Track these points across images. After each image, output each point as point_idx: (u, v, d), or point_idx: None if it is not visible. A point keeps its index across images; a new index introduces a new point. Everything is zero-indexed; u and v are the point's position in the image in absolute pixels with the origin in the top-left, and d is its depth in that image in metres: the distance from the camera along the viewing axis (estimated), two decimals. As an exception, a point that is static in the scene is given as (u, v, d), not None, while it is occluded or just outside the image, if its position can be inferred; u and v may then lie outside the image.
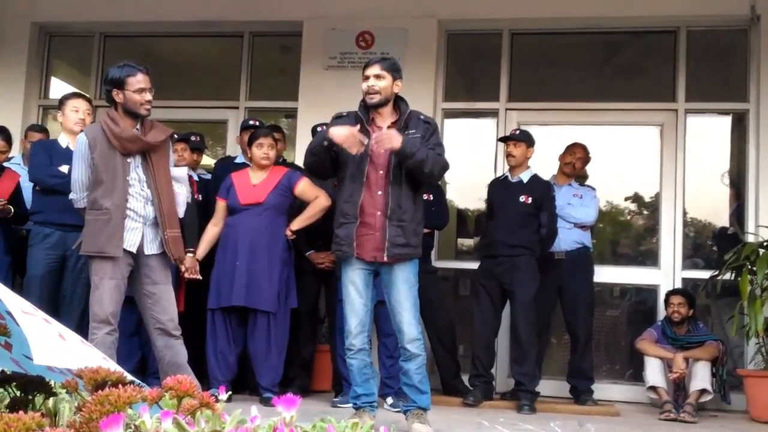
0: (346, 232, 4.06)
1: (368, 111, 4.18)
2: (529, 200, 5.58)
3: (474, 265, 5.98)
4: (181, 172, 4.32)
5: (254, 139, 5.34)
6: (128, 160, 4.10)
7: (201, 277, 5.14)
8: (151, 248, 4.12)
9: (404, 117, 4.16)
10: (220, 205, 5.31)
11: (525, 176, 5.69)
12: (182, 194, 4.26)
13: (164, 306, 4.12)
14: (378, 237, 4.03)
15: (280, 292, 5.16)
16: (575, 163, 6.01)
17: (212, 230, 5.30)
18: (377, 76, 4.10)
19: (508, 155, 5.73)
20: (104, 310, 4.00)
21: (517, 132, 5.78)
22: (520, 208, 5.57)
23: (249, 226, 5.14)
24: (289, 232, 5.24)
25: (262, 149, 5.28)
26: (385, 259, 4.02)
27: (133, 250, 4.08)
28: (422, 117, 4.23)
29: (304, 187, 5.29)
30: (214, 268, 5.20)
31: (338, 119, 4.23)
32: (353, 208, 4.05)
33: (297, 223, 5.26)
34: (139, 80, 4.09)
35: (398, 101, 4.21)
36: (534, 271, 5.54)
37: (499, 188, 5.75)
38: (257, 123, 5.92)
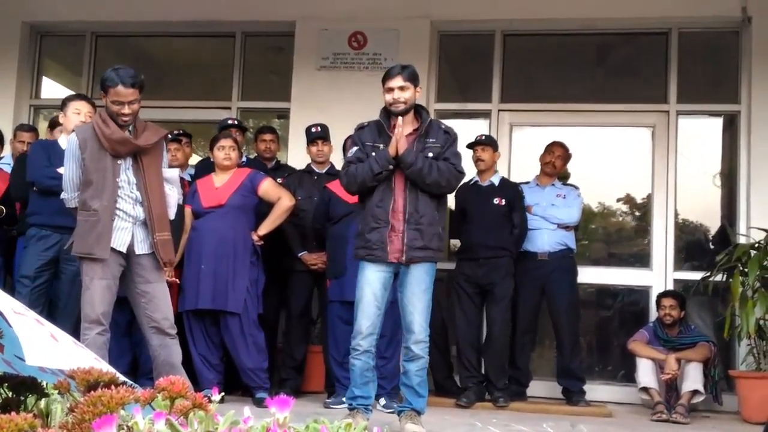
0: (378, 236, 4.08)
1: (389, 117, 4.21)
2: (503, 202, 5.73)
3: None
4: (172, 174, 4.30)
5: (215, 141, 5.34)
6: (118, 161, 4.08)
7: (178, 281, 5.12)
8: (142, 248, 4.10)
9: (425, 125, 4.20)
10: (187, 211, 5.29)
11: (495, 179, 5.85)
12: (173, 196, 4.24)
13: (157, 304, 4.10)
14: (400, 238, 4.08)
15: (248, 293, 5.14)
16: (555, 162, 6.04)
17: (183, 237, 5.28)
18: (401, 88, 4.15)
19: (478, 160, 5.81)
20: (95, 311, 3.99)
21: (484, 137, 5.88)
22: (495, 210, 5.71)
23: (212, 228, 5.13)
24: (256, 237, 5.23)
25: (223, 151, 5.28)
26: (404, 261, 4.06)
27: (123, 250, 4.06)
28: (443, 127, 4.29)
29: (267, 187, 5.29)
30: (183, 271, 5.18)
31: (361, 129, 4.29)
32: (384, 213, 4.09)
33: (264, 228, 5.25)
34: (117, 92, 4.01)
35: (419, 109, 4.26)
36: (512, 271, 5.70)
37: (472, 193, 5.83)
38: (236, 122, 5.91)
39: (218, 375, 5.18)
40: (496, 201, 5.73)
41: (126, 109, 4.03)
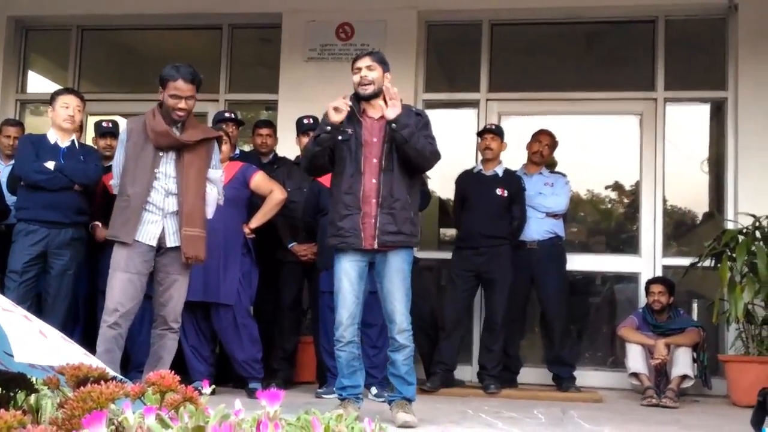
0: (351, 223, 4.07)
1: (359, 103, 4.20)
2: (505, 193, 5.74)
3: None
4: (215, 175, 4.37)
5: None
6: (160, 153, 4.18)
7: None
8: (173, 240, 4.18)
9: None
10: None
11: (499, 170, 5.84)
12: (212, 195, 4.33)
13: (170, 297, 4.19)
14: (372, 224, 4.06)
15: (241, 285, 5.14)
16: (542, 150, 6.05)
17: None
18: (368, 67, 4.15)
19: (486, 148, 5.80)
20: (112, 302, 4.08)
21: (493, 126, 5.88)
22: (497, 200, 5.71)
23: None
24: (247, 230, 5.23)
25: None
26: (376, 246, 4.05)
27: (153, 243, 4.14)
28: (414, 109, 4.30)
29: (259, 180, 5.29)
30: None
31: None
32: (355, 200, 4.08)
33: (255, 221, 5.26)
34: (177, 86, 4.15)
35: None
36: (511, 261, 5.71)
37: (474, 181, 5.83)
38: (232, 115, 5.89)
39: (209, 367, 5.19)
40: (498, 191, 5.73)
41: (182, 104, 4.16)
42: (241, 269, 5.18)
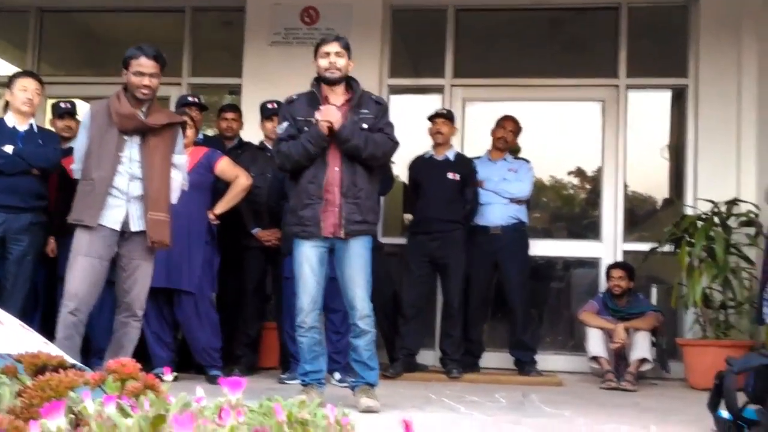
0: (312, 213, 4.06)
1: (321, 89, 4.19)
2: (457, 177, 5.77)
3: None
4: (180, 160, 4.35)
5: None
6: (125, 137, 4.14)
7: None
8: (137, 225, 4.13)
9: (357, 96, 4.19)
10: None
11: (450, 154, 5.88)
12: (177, 180, 4.30)
13: (134, 283, 4.16)
14: (336, 213, 4.06)
15: (203, 272, 5.13)
16: (506, 136, 6.09)
17: None
18: (338, 54, 4.14)
19: (437, 132, 5.83)
20: (72, 287, 4.04)
21: (444, 110, 5.90)
22: (449, 185, 5.75)
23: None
24: (212, 216, 5.21)
25: None
26: (342, 235, 4.05)
27: (117, 227, 4.10)
28: (374, 97, 4.30)
29: (224, 166, 5.26)
30: None
31: (291, 103, 4.25)
32: (318, 189, 4.07)
33: (220, 207, 5.24)
34: (139, 63, 4.13)
35: (350, 80, 4.24)
36: (464, 245, 5.76)
37: (426, 166, 5.86)
38: (196, 99, 5.84)
39: (171, 353, 5.16)
40: (450, 176, 5.77)
41: (147, 81, 4.13)
42: (203, 256, 5.15)
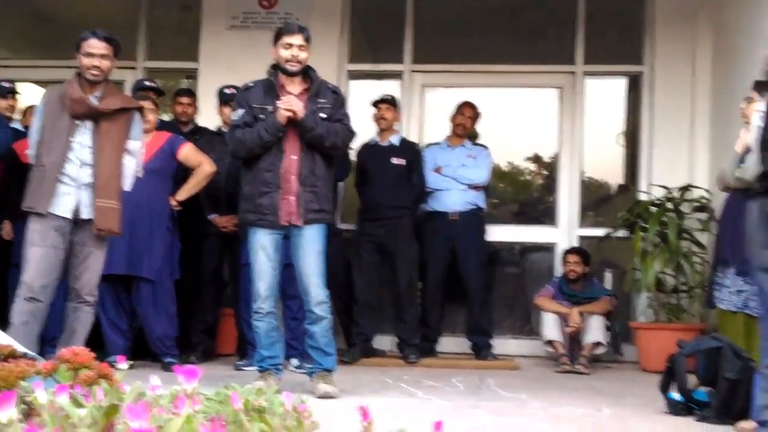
0: (269, 201, 4.06)
1: (278, 77, 4.17)
2: (403, 162, 5.79)
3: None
4: (134, 146, 4.28)
5: None
6: (77, 122, 4.08)
7: None
8: (88, 212, 4.08)
9: (316, 85, 4.18)
10: None
11: (395, 139, 5.89)
12: (130, 167, 4.25)
13: (85, 269, 4.12)
14: (293, 201, 4.06)
15: (164, 260, 5.08)
16: (465, 122, 6.12)
17: None
18: (301, 47, 4.11)
19: (381, 118, 5.84)
20: (28, 276, 4.01)
21: (389, 97, 5.90)
22: (394, 170, 5.77)
23: (128, 191, 5.02)
24: (174, 202, 5.16)
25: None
26: (300, 223, 4.05)
27: (69, 215, 4.06)
28: (330, 87, 4.29)
29: (187, 152, 5.21)
30: None
31: (247, 90, 4.22)
32: (275, 177, 4.07)
33: (183, 193, 5.19)
34: (90, 44, 4.09)
35: (307, 69, 4.22)
36: (412, 231, 5.81)
37: (372, 152, 5.88)
38: (153, 84, 5.76)
39: (126, 341, 5.11)
40: (395, 161, 5.78)
41: (96, 62, 4.07)
42: (165, 243, 5.11)
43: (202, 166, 5.20)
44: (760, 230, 2.99)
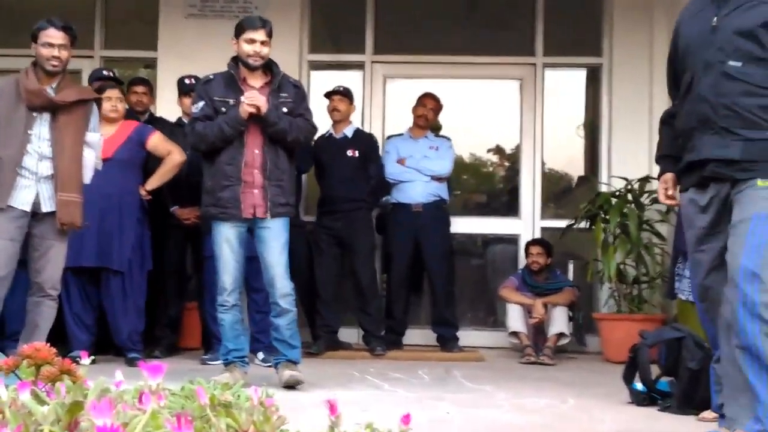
0: (231, 194, 4.04)
1: (239, 70, 4.15)
2: (356, 154, 5.78)
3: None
4: (93, 138, 4.22)
5: (101, 91, 5.12)
6: (34, 114, 4.02)
7: None
8: (48, 205, 4.02)
9: (278, 80, 4.17)
10: None
11: (349, 131, 5.88)
12: (90, 159, 4.19)
13: (46, 262, 4.05)
14: (257, 194, 4.06)
15: (134, 252, 5.02)
16: (427, 114, 6.11)
17: None
18: (263, 43, 4.09)
19: (334, 110, 5.82)
20: None
21: (341, 88, 5.88)
22: (348, 162, 5.76)
23: (97, 182, 4.92)
24: (143, 192, 5.09)
25: (110, 102, 5.08)
26: (268, 216, 4.05)
27: (27, 209, 3.99)
28: (292, 81, 4.30)
29: (156, 141, 5.14)
30: None
31: (208, 83, 4.20)
32: (236, 171, 4.05)
33: (152, 182, 5.12)
34: (48, 34, 4.03)
35: (269, 63, 4.20)
36: (370, 223, 5.83)
37: (326, 145, 5.85)
38: (111, 74, 5.65)
39: (91, 336, 5.03)
40: (349, 153, 5.77)
41: (56, 52, 4.02)
42: (135, 234, 5.04)
43: (172, 155, 5.12)
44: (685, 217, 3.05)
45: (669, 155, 3.12)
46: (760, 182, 2.71)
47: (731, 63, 2.77)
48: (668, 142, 3.16)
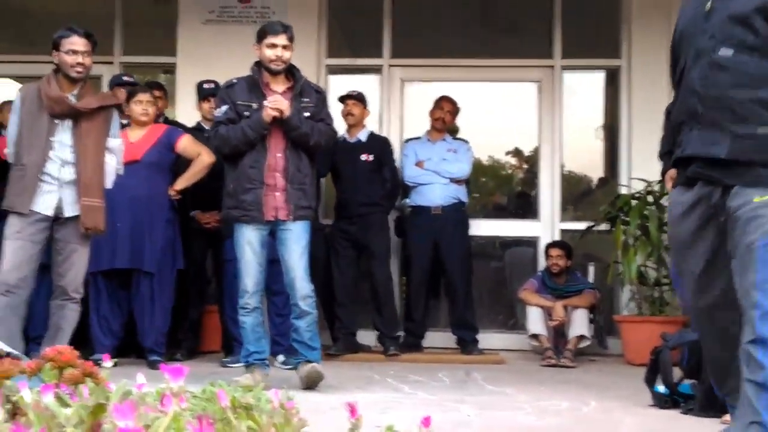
0: (253, 197, 4.09)
1: (261, 75, 4.19)
2: (371, 158, 5.81)
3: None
4: (115, 144, 4.28)
5: (133, 95, 5.19)
6: (56, 121, 4.08)
7: None
8: (71, 210, 4.08)
9: (300, 84, 4.21)
10: None
11: (363, 135, 5.90)
12: (111, 165, 4.24)
13: (70, 266, 4.10)
14: (279, 197, 4.10)
15: (164, 253, 5.06)
16: (445, 117, 6.11)
17: None
18: (285, 47, 4.14)
19: (348, 114, 5.84)
20: (4, 268, 3.99)
21: (355, 93, 5.91)
22: (363, 167, 5.78)
23: (127, 185, 4.96)
24: (173, 192, 5.13)
25: (141, 105, 5.14)
26: (290, 219, 4.10)
27: (50, 213, 4.05)
28: (314, 86, 4.37)
29: (186, 143, 5.18)
30: None
31: (231, 87, 4.25)
32: (259, 174, 4.10)
33: (181, 183, 5.16)
34: (72, 42, 4.08)
35: (291, 68, 4.24)
36: (386, 226, 5.85)
37: (341, 150, 5.84)
38: (131, 79, 5.69)
39: (114, 341, 5.06)
40: (363, 157, 5.79)
41: (80, 59, 4.07)
42: (166, 236, 5.08)
43: (202, 157, 5.15)
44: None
45: (670, 151, 2.93)
46: (757, 199, 2.38)
47: (722, 51, 2.47)
48: (670, 137, 3.06)
